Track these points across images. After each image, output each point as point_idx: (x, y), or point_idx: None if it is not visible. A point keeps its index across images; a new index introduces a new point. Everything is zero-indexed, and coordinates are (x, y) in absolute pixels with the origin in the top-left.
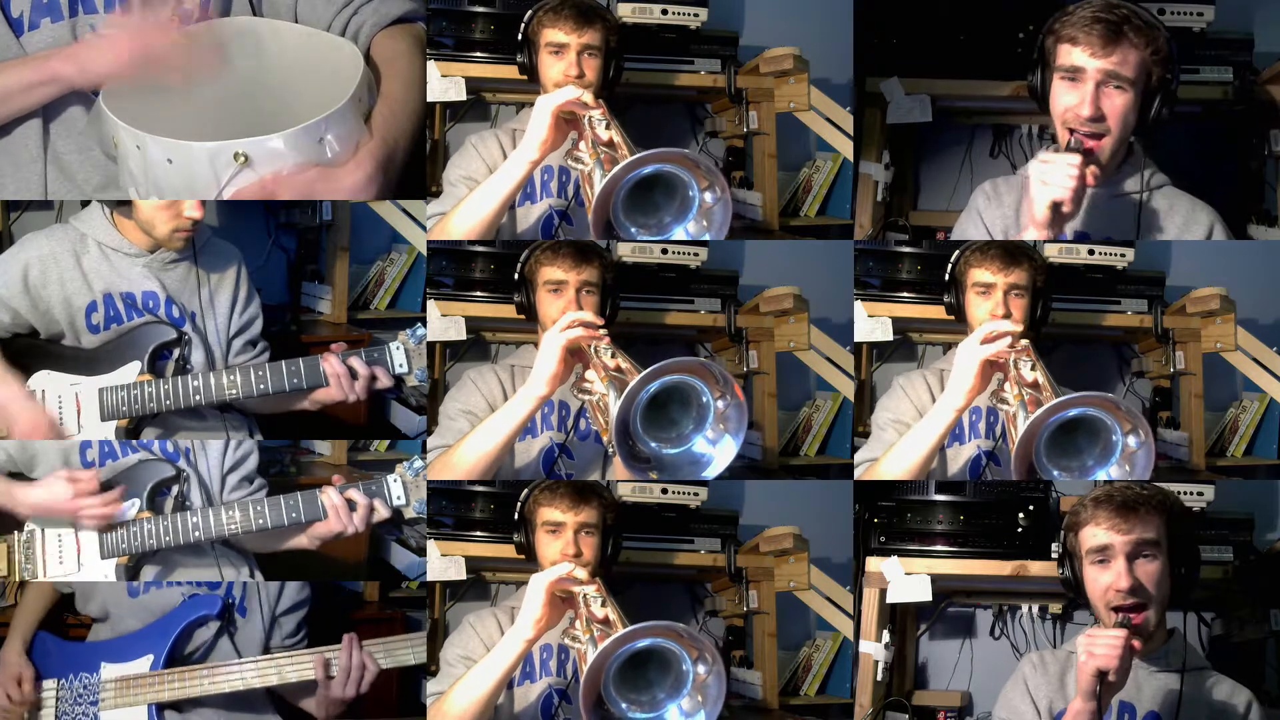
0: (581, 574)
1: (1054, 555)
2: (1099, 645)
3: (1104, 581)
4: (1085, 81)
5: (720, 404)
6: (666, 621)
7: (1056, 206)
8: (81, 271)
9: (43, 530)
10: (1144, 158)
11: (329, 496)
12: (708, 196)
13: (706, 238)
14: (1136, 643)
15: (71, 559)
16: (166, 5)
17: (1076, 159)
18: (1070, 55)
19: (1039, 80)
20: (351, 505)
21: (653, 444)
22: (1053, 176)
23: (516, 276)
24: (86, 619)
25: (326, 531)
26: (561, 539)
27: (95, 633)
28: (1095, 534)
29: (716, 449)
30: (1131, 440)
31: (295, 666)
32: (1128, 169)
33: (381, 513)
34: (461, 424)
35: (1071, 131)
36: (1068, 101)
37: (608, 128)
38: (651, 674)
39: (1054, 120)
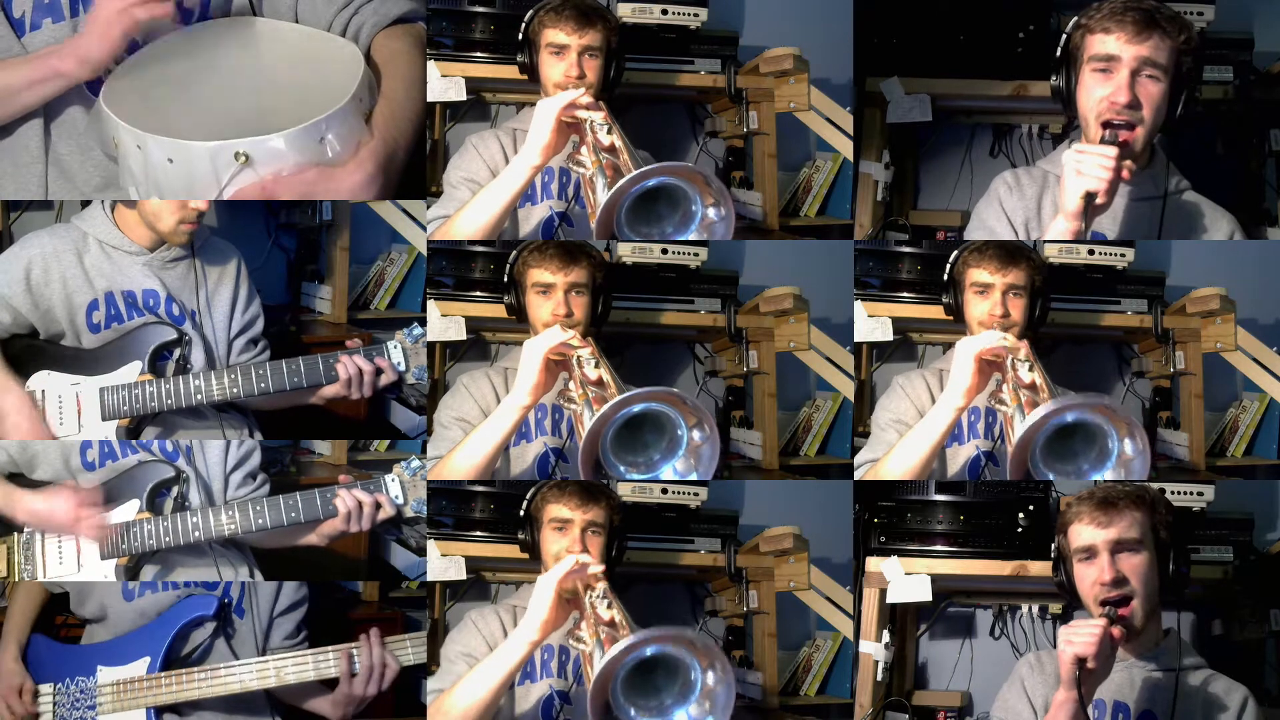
0: (597, 568)
1: (1052, 557)
2: (1077, 634)
3: (1090, 577)
4: (1120, 69)
5: (695, 436)
6: (677, 628)
7: (1090, 197)
8: (83, 269)
9: (42, 531)
10: (1168, 161)
11: (344, 499)
12: (711, 213)
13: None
14: (1116, 631)
15: (71, 559)
16: None
17: (1113, 150)
18: (1105, 44)
19: (1064, 79)
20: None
21: (620, 467)
22: (1088, 167)
23: (506, 278)
24: (81, 620)
25: (333, 529)
26: (568, 537)
27: (91, 634)
28: (1080, 532)
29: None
30: (1128, 446)
31: (295, 668)
32: (1150, 172)
33: (388, 510)
34: (455, 432)
35: (1106, 125)
36: (1101, 92)
37: (609, 132)
38: (659, 679)
39: (1084, 116)
